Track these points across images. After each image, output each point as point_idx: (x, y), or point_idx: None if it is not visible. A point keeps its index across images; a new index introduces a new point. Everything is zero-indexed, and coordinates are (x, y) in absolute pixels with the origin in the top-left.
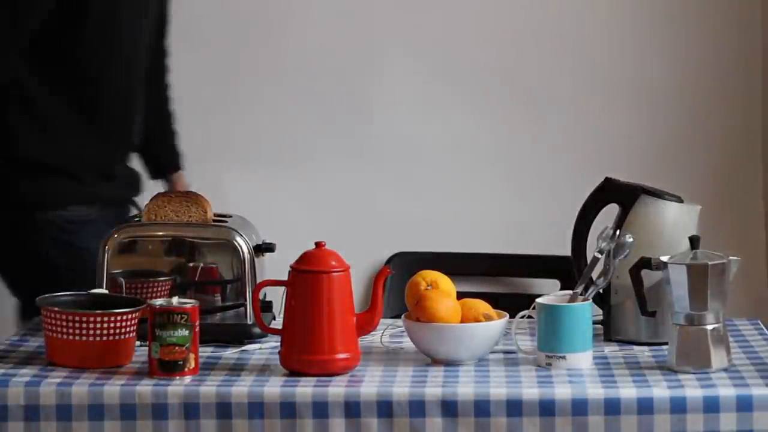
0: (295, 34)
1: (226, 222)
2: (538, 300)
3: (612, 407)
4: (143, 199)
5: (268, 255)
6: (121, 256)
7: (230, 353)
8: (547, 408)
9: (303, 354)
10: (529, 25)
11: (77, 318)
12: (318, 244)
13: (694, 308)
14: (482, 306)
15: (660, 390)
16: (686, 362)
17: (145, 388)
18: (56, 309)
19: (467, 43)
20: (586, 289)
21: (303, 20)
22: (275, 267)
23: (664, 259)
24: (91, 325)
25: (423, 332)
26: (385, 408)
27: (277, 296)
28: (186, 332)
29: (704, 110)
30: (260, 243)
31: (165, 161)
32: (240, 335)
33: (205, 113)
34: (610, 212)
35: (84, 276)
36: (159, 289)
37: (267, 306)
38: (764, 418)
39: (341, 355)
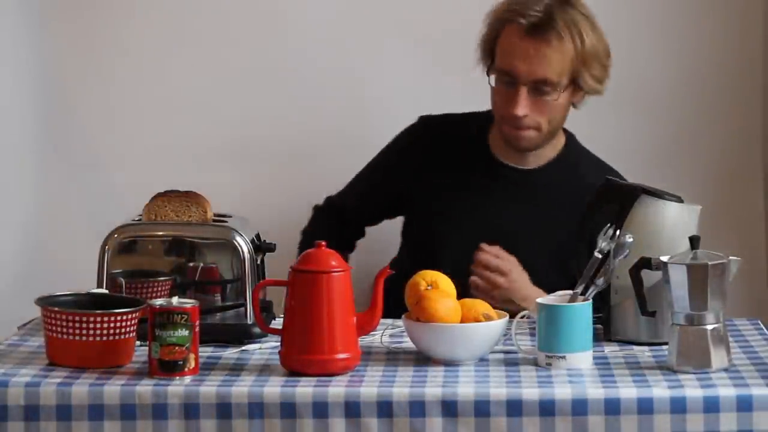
0: (294, 33)
1: (226, 222)
2: (538, 300)
3: (612, 407)
4: None
5: (268, 255)
6: (121, 256)
7: (230, 353)
8: (547, 408)
9: (303, 354)
10: None
11: (77, 318)
12: (318, 244)
13: (694, 308)
14: (482, 306)
15: (660, 390)
16: (686, 362)
17: (145, 388)
18: (56, 309)
19: (467, 43)
20: (586, 289)
21: (302, 19)
22: (275, 267)
23: (664, 259)
24: (91, 325)
25: (423, 332)
26: (385, 408)
27: (277, 296)
28: (186, 332)
29: (704, 110)
30: (260, 243)
31: None
32: (240, 335)
33: (205, 112)
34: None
35: None
36: (159, 289)
37: (267, 306)
38: (764, 418)
39: (341, 355)
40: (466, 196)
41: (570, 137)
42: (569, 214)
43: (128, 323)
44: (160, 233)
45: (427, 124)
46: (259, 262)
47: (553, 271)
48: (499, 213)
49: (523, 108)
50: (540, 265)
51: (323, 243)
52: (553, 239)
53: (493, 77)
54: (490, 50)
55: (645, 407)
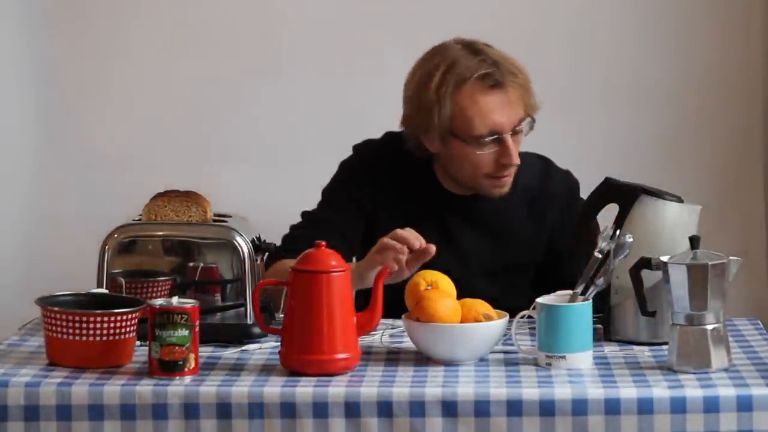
0: (294, 33)
1: (226, 222)
2: (538, 300)
3: (612, 407)
4: None
5: (268, 255)
6: (121, 256)
7: (230, 353)
8: (547, 408)
9: (303, 354)
10: (529, 25)
11: (77, 318)
12: (318, 244)
13: (694, 308)
14: (482, 306)
15: (660, 390)
16: (686, 362)
17: (145, 388)
18: (56, 309)
19: None
20: (586, 289)
21: (302, 20)
22: None
23: (664, 259)
24: (91, 325)
25: (422, 332)
26: (385, 408)
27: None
28: (186, 332)
29: (704, 110)
30: (260, 243)
31: None
32: (240, 335)
33: (206, 113)
34: (610, 212)
35: None
36: (159, 289)
37: (267, 306)
38: (764, 418)
39: (341, 355)
40: (421, 224)
41: None
42: (522, 226)
43: (128, 323)
44: (160, 233)
45: (361, 156)
46: (259, 261)
47: (509, 287)
48: (458, 239)
49: (517, 156)
50: (499, 283)
51: (323, 243)
52: (506, 257)
53: (459, 145)
54: (449, 125)
55: (645, 407)
